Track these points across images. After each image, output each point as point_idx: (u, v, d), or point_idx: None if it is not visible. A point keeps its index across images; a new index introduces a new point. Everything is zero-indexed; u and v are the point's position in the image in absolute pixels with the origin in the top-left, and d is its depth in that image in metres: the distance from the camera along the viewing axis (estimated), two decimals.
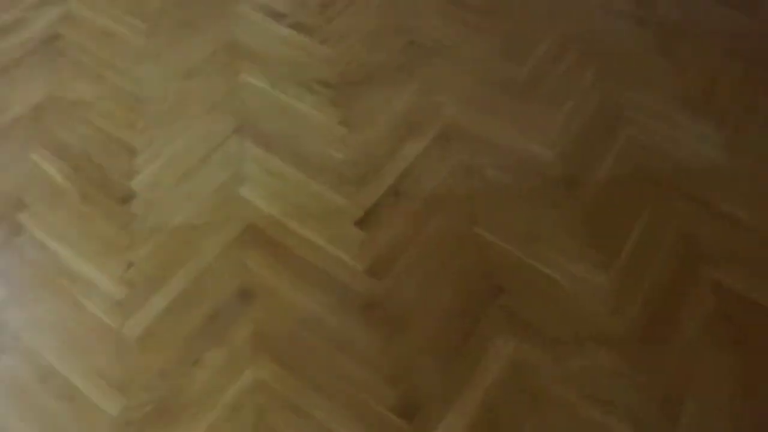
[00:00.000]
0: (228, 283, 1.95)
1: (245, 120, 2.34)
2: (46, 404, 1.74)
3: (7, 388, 1.77)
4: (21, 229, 2.07)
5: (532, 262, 1.98)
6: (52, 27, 2.69)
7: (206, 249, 2.02)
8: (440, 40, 2.57)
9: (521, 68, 2.46)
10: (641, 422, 1.72)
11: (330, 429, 1.69)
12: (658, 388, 1.78)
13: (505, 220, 2.06)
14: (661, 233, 2.08)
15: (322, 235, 2.04)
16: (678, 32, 2.68)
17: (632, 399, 1.76)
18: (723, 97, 2.47)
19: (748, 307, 1.95)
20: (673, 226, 2.09)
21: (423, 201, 2.10)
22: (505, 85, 2.41)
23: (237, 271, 1.97)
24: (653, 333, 1.88)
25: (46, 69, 2.53)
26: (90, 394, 1.75)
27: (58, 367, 1.80)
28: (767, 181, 2.24)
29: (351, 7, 2.71)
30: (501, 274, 1.96)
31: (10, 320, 1.88)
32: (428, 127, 2.29)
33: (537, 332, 1.86)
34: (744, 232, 2.11)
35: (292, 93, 2.41)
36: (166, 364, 1.80)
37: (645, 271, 1.99)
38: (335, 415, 1.71)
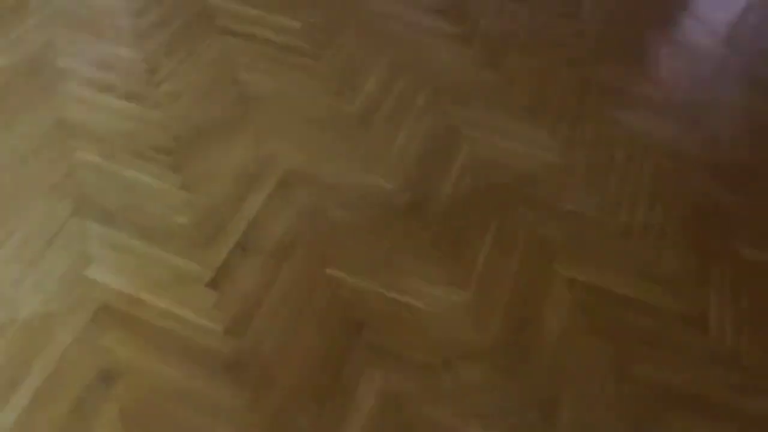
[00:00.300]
0: (88, 368, 1.91)
1: (85, 199, 2.31)
2: None
3: None
4: None
5: (389, 293, 2.02)
6: None
7: (60, 337, 1.98)
8: (271, 87, 2.61)
9: (354, 103, 2.52)
10: (523, 429, 1.78)
11: None
12: (533, 392, 1.84)
13: (355, 256, 2.10)
14: (512, 241, 2.16)
15: (177, 303, 2.03)
16: (502, 45, 2.81)
17: (510, 408, 1.81)
18: (553, 102, 2.60)
19: (604, 297, 2.05)
20: (521, 232, 2.18)
21: (272, 251, 2.12)
22: (340, 123, 2.46)
23: (95, 354, 1.94)
24: (519, 339, 1.94)
25: None
26: None
27: None
28: (604, 177, 2.36)
29: (179, 69, 2.73)
30: (359, 310, 1.99)
31: None
32: (268, 176, 2.31)
33: (404, 361, 1.89)
34: (589, 226, 2.22)
35: (129, 164, 2.40)
36: None
37: (501, 280, 2.07)
38: None
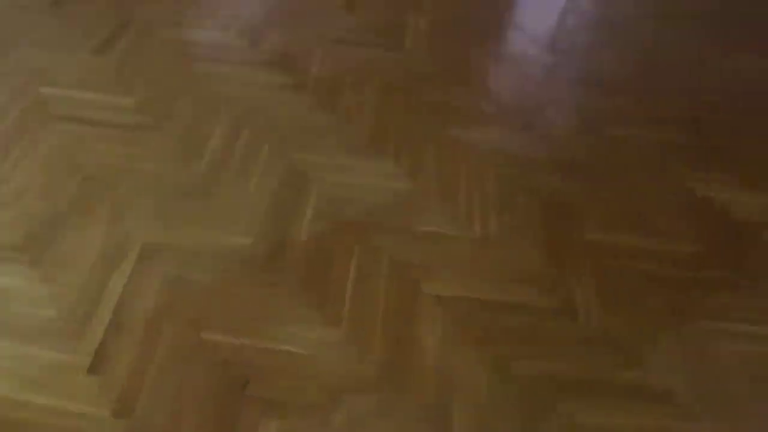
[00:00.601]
0: None
1: None
2: None
3: None
4: None
5: (267, 345, 2.06)
6: None
7: None
8: (114, 165, 2.61)
9: (200, 165, 2.56)
10: None
11: None
12: (425, 409, 1.92)
13: (227, 315, 2.13)
14: (376, 270, 2.24)
15: (60, 397, 2.00)
16: (335, 87, 2.92)
17: (405, 428, 1.87)
18: (393, 132, 2.72)
19: (473, 306, 2.16)
20: (384, 260, 2.26)
21: (145, 326, 2.12)
22: (190, 188, 2.49)
23: None
24: (401, 361, 2.02)
25: None
26: None
27: None
28: (453, 193, 2.48)
29: (19, 165, 2.70)
30: (241, 367, 2.02)
31: None
32: (127, 253, 2.32)
33: (295, 406, 1.93)
34: (447, 242, 2.33)
35: None
36: None
37: (373, 309, 2.14)
38: None
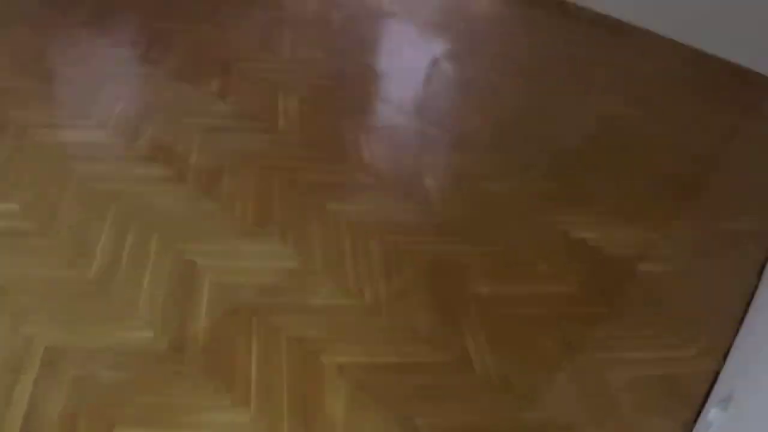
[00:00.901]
0: None
1: None
2: None
3: None
4: None
5: None
6: None
7: None
8: (6, 275, 2.60)
9: (92, 267, 2.59)
10: None
11: None
12: None
13: (137, 410, 2.18)
14: (276, 349, 2.35)
15: None
16: (215, 174, 3.03)
17: None
18: (276, 213, 2.84)
19: (374, 371, 2.29)
20: (282, 338, 2.38)
21: (59, 429, 2.13)
22: (85, 289, 2.52)
23: None
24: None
25: None
26: None
27: None
28: (341, 266, 2.62)
29: None
30: None
31: None
32: (30, 360, 2.33)
33: None
34: (341, 313, 2.45)
35: None
36: None
37: (278, 387, 2.25)
38: None
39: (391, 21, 5.23)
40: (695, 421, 2.28)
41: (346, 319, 2.46)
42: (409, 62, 4.48)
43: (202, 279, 2.54)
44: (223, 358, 2.33)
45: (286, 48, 4.44)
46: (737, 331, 2.59)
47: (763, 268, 2.93)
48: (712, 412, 2.09)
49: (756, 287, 2.80)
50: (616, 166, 3.53)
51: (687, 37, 4.97)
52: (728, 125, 4.17)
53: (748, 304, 2.72)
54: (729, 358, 2.46)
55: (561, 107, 4.08)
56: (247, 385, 2.25)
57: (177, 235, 2.72)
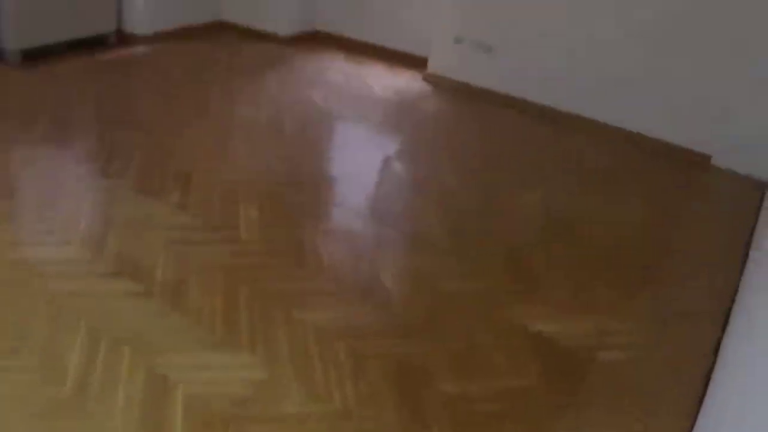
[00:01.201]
0: None
1: None
2: None
3: None
4: None
5: None
6: None
7: None
8: None
9: (65, 386, 2.64)
10: None
11: None
12: None
13: None
14: None
15: None
16: (181, 288, 3.14)
17: None
18: (242, 324, 2.97)
19: None
20: None
21: None
22: (59, 408, 2.56)
23: None
24: None
25: None
26: None
27: None
28: (309, 372, 2.74)
29: None
30: None
31: None
32: None
33: None
34: (314, 422, 2.58)
35: None
36: None
37: None
38: None
39: (343, 125, 5.47)
40: None
41: (318, 425, 2.55)
42: (362, 165, 4.69)
43: (176, 393, 2.62)
44: None
45: (242, 156, 4.63)
46: (698, 410, 2.74)
47: (719, 345, 3.11)
48: None
49: (713, 364, 2.97)
50: (569, 256, 3.73)
51: (630, 123, 5.30)
52: (674, 206, 4.44)
53: (707, 381, 2.88)
54: None
55: (512, 201, 4.30)
56: None
57: (148, 351, 2.79)
